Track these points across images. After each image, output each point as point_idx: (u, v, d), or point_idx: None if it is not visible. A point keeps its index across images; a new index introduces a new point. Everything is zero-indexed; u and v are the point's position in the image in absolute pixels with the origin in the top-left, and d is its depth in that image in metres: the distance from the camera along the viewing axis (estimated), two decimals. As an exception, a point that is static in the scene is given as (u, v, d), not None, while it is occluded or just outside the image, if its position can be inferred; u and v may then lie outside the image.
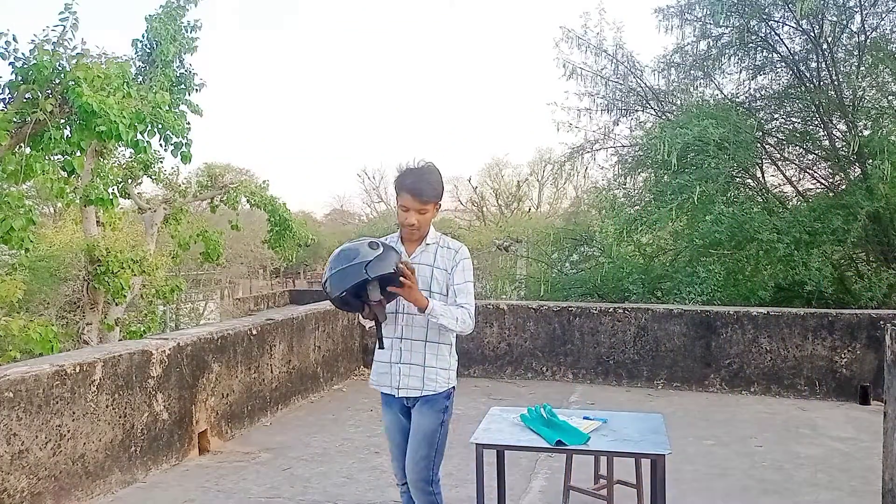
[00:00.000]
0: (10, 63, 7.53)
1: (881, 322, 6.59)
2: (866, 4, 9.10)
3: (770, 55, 9.98)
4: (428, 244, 3.03)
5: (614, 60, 10.83)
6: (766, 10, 9.53)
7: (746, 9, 9.35)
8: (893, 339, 3.22)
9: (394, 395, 3.03)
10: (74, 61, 7.59)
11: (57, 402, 3.92)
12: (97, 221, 11.48)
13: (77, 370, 4.07)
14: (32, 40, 7.57)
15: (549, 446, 3.15)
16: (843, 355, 6.75)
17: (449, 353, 3.07)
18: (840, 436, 5.57)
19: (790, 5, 9.01)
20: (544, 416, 3.35)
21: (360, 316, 2.88)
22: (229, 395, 5.54)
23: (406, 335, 3.00)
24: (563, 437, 3.13)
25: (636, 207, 10.08)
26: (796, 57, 9.75)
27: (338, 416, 6.25)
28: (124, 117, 7.40)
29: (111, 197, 10.08)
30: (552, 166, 18.24)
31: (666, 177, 9.51)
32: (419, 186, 2.89)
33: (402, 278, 2.74)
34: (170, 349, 4.88)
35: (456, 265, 3.02)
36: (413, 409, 3.03)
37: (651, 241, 10.99)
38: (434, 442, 2.99)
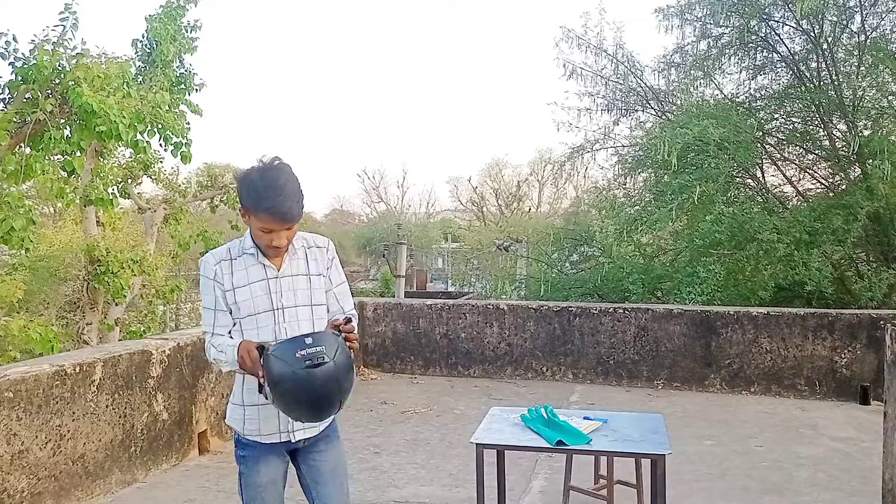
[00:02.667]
0: (10, 63, 7.54)
1: (881, 322, 6.59)
2: (866, 4, 9.10)
3: (770, 55, 9.98)
4: (296, 249, 2.43)
5: (614, 60, 10.84)
6: (766, 10, 9.53)
7: (746, 9, 9.35)
8: (893, 339, 3.22)
9: (280, 442, 2.41)
10: (74, 61, 7.59)
11: (57, 402, 3.92)
12: (97, 221, 11.47)
13: (77, 370, 4.07)
14: (32, 40, 7.57)
15: (549, 446, 3.16)
16: (843, 355, 6.75)
17: None
18: (840, 436, 5.57)
19: (790, 5, 9.01)
20: (545, 416, 3.35)
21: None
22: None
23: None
24: (564, 437, 3.13)
25: (636, 207, 10.08)
26: (796, 57, 9.75)
27: (337, 415, 6.24)
28: (124, 117, 7.40)
29: (111, 197, 10.08)
30: (552, 166, 18.22)
31: (666, 177, 9.51)
32: (286, 207, 2.23)
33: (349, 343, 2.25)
34: (170, 349, 4.88)
35: (331, 264, 2.50)
36: (309, 449, 2.47)
37: (651, 241, 10.99)
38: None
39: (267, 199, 2.21)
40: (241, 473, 2.43)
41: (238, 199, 2.34)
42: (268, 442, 2.40)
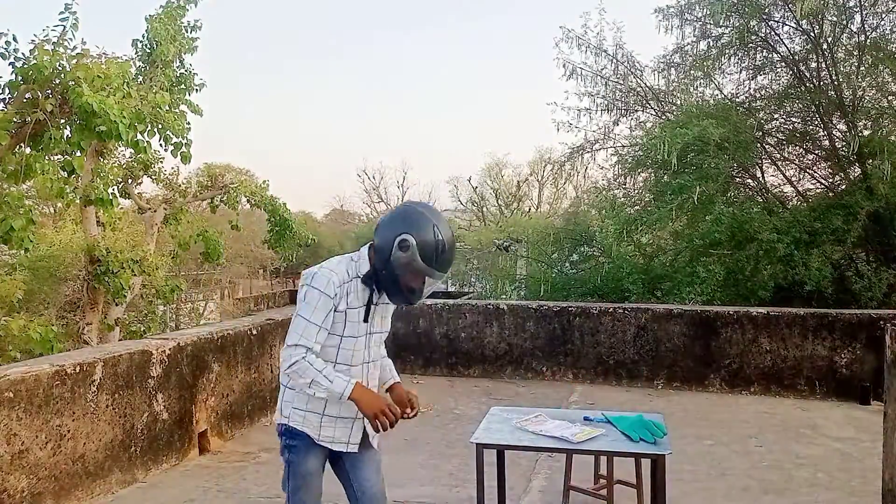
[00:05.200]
0: (10, 63, 7.53)
1: (881, 322, 6.59)
2: (866, 4, 9.10)
3: (770, 55, 9.98)
4: None
5: (614, 60, 10.84)
6: (766, 10, 9.53)
7: (746, 9, 9.35)
8: (893, 339, 3.22)
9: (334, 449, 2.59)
10: (74, 61, 7.58)
11: (57, 402, 3.92)
12: (97, 221, 11.46)
13: (77, 370, 4.07)
14: (32, 40, 7.57)
15: (549, 446, 3.16)
16: (843, 355, 6.75)
17: None
18: (840, 436, 5.57)
19: (790, 5, 9.01)
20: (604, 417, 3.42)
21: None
22: (229, 395, 5.54)
23: (372, 382, 2.63)
24: (642, 434, 3.15)
25: (636, 207, 10.09)
26: (796, 57, 9.75)
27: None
28: (124, 117, 7.39)
29: (111, 197, 10.07)
30: (552, 166, 18.25)
31: (666, 177, 9.51)
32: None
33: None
34: (170, 349, 4.88)
35: None
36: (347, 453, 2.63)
37: (651, 241, 10.99)
38: None
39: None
40: (289, 462, 2.55)
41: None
42: (328, 447, 2.56)
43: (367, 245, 2.53)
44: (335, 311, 2.45)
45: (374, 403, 2.40)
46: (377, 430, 2.47)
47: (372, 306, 2.52)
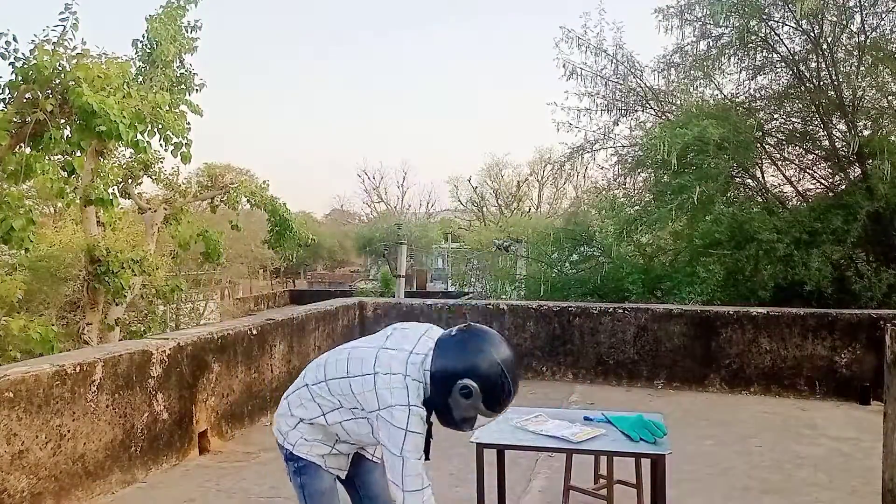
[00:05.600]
0: (10, 63, 7.54)
1: (881, 322, 6.58)
2: (866, 4, 9.09)
3: (770, 55, 9.97)
4: None
5: (614, 60, 10.82)
6: (766, 10, 9.52)
7: (746, 9, 9.34)
8: (893, 339, 3.23)
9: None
10: (74, 61, 7.59)
11: (57, 402, 3.92)
12: (97, 221, 11.47)
13: (77, 370, 4.07)
14: (32, 40, 7.57)
15: (549, 446, 3.16)
16: (843, 355, 6.75)
17: None
18: (840, 436, 5.57)
19: (790, 5, 9.00)
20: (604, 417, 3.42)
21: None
22: (229, 395, 5.55)
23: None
24: (642, 434, 3.14)
25: (636, 207, 10.08)
26: (796, 57, 9.75)
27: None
28: (124, 117, 7.40)
29: (111, 197, 10.07)
30: (552, 166, 18.26)
31: (666, 177, 9.51)
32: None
33: None
34: (170, 349, 4.88)
35: None
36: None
37: (651, 241, 10.99)
38: None
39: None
40: (302, 485, 2.40)
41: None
42: (339, 475, 2.48)
43: (428, 358, 2.21)
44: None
45: None
46: None
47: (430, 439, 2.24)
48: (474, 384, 2.12)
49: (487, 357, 2.15)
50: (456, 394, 2.14)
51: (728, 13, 9.44)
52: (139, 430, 4.55)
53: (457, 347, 2.19)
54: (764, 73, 10.24)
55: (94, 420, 4.18)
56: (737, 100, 10.27)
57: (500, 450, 3.45)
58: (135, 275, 10.88)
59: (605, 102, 11.00)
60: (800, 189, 10.49)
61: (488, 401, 2.15)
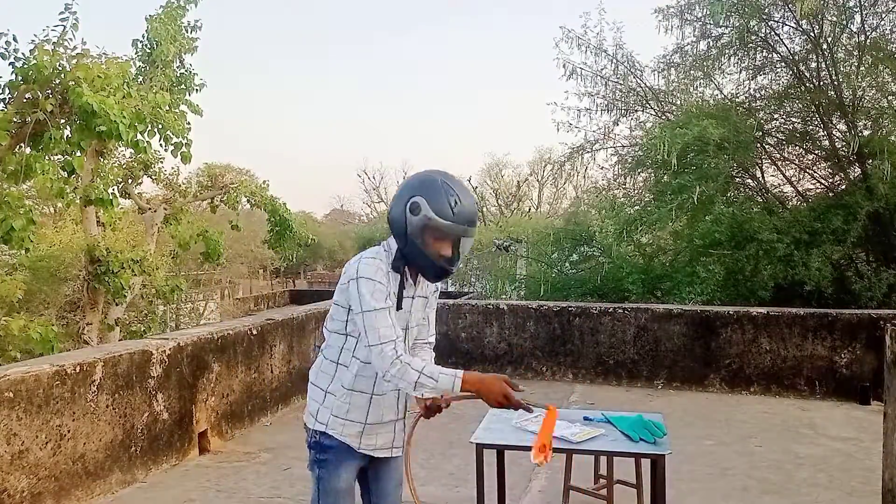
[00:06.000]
0: (10, 63, 7.54)
1: (881, 322, 6.59)
2: (866, 4, 9.10)
3: (770, 55, 9.98)
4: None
5: (614, 60, 10.83)
6: (766, 10, 9.53)
7: (746, 9, 9.35)
8: (893, 339, 3.23)
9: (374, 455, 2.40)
10: (74, 61, 7.59)
11: (57, 402, 3.92)
12: (97, 221, 11.47)
13: (77, 370, 4.07)
14: (32, 40, 7.57)
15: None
16: (843, 355, 6.75)
17: None
18: (840, 436, 5.57)
19: (790, 5, 9.01)
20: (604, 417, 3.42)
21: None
22: (229, 395, 5.55)
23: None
24: (642, 434, 3.14)
25: (636, 207, 10.09)
26: (796, 57, 9.75)
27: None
28: (124, 117, 7.40)
29: (111, 197, 10.08)
30: (552, 166, 18.28)
31: (666, 177, 9.51)
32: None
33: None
34: (170, 349, 4.88)
35: (437, 288, 2.46)
36: (379, 461, 2.46)
37: (651, 241, 11.00)
38: None
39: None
40: (319, 478, 2.34)
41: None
42: (369, 454, 2.36)
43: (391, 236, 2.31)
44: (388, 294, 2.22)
45: (495, 390, 2.14)
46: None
47: (405, 296, 2.28)
48: (418, 196, 2.18)
49: (427, 174, 2.26)
50: (408, 217, 2.19)
51: (728, 13, 9.45)
52: (139, 430, 4.55)
53: (401, 186, 2.30)
54: (764, 73, 10.25)
55: (94, 420, 4.18)
56: (737, 100, 10.28)
57: (500, 450, 3.44)
58: (135, 275, 10.89)
59: (605, 102, 11.00)
60: (800, 189, 10.49)
61: (436, 207, 2.15)
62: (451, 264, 2.26)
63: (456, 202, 2.17)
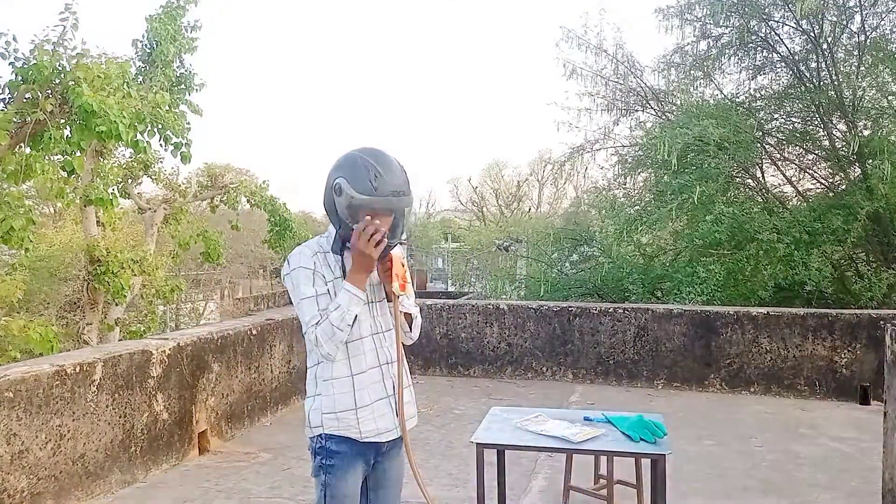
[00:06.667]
0: (10, 63, 7.52)
1: (881, 322, 6.58)
2: (866, 4, 9.11)
3: (770, 55, 9.99)
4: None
5: (614, 60, 10.84)
6: (766, 10, 9.54)
7: (746, 9, 9.36)
8: (893, 339, 3.23)
9: (381, 442, 2.34)
10: (74, 61, 7.58)
11: (57, 402, 3.92)
12: (97, 221, 11.46)
13: (77, 370, 4.07)
14: (32, 40, 7.56)
15: (549, 446, 3.16)
16: (843, 355, 6.75)
17: None
18: (840, 436, 5.57)
19: (790, 5, 9.01)
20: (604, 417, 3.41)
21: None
22: (229, 395, 5.54)
23: (389, 344, 2.36)
24: (642, 434, 3.13)
25: (636, 207, 10.09)
26: (796, 57, 9.76)
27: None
28: (124, 117, 7.38)
29: (111, 197, 10.07)
30: (552, 166, 18.27)
31: (666, 177, 9.51)
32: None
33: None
34: (170, 349, 4.88)
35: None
36: (385, 453, 2.41)
37: (651, 241, 11.00)
38: None
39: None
40: (325, 484, 2.31)
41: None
42: (375, 441, 2.32)
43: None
44: (327, 280, 2.26)
45: (360, 248, 2.15)
46: (373, 245, 2.14)
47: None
48: (340, 177, 2.19)
49: (347, 154, 2.25)
50: (336, 199, 2.21)
51: (728, 13, 9.46)
52: (139, 431, 4.55)
53: (328, 174, 2.29)
54: (764, 73, 10.27)
55: (94, 420, 4.18)
56: (737, 100, 10.28)
57: (500, 450, 3.44)
58: (134, 275, 10.88)
59: (606, 102, 11.02)
60: (800, 189, 10.50)
61: (357, 185, 2.15)
62: (393, 237, 2.26)
63: (376, 176, 2.16)
